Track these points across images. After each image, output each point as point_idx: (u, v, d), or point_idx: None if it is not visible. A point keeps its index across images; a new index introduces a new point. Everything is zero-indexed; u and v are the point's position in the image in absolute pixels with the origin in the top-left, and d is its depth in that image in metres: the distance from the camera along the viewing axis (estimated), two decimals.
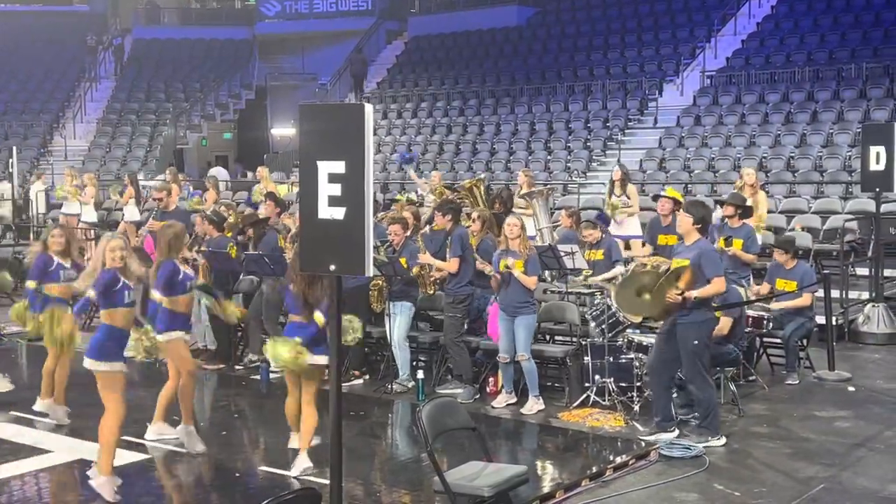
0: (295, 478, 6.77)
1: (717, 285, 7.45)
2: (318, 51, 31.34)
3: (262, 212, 11.14)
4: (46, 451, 7.53)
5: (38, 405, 8.43)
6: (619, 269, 9.67)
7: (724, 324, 8.42)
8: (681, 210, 7.98)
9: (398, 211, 10.94)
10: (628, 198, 12.38)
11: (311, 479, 6.64)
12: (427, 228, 10.20)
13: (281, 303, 10.24)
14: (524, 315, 8.46)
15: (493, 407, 8.67)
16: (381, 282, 9.28)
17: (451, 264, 8.98)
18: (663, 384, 7.71)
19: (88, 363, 6.50)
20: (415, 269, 9.18)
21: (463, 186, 11.85)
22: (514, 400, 8.69)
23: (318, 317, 6.86)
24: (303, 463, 6.86)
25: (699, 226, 7.56)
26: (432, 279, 9.34)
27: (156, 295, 7.31)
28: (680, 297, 7.35)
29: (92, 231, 17.62)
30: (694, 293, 7.37)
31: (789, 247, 9.97)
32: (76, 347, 6.94)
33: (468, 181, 12.20)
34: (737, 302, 8.72)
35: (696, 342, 7.44)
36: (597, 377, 8.54)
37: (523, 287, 8.43)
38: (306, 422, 6.95)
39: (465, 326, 9.20)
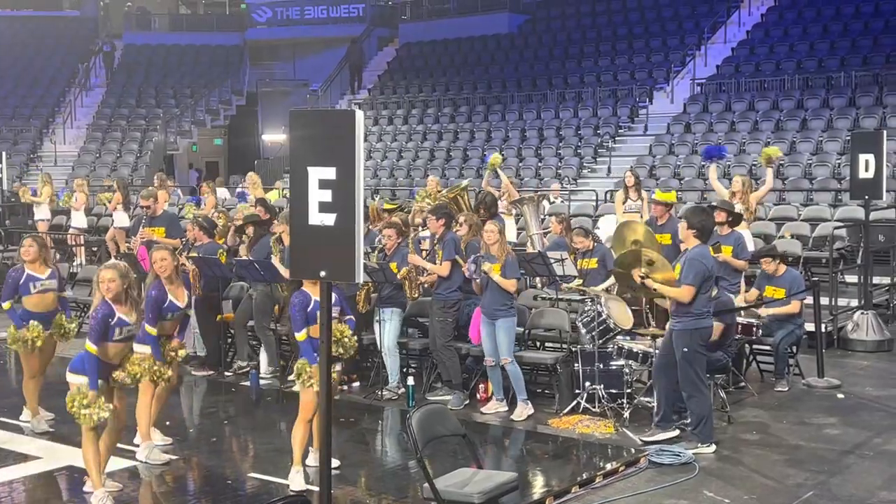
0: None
1: (680, 292, 7.48)
2: (309, 57, 31.38)
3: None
4: (35, 458, 7.49)
5: (25, 415, 8.40)
6: (613, 280, 9.67)
7: (716, 329, 8.44)
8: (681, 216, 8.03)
9: (373, 216, 10.95)
10: (643, 202, 12.33)
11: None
12: (421, 232, 10.20)
13: (271, 309, 10.26)
14: (503, 318, 8.47)
15: (483, 413, 8.67)
16: (368, 284, 9.27)
17: (443, 268, 8.98)
18: (666, 385, 7.73)
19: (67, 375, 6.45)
20: (402, 272, 9.16)
21: (446, 197, 11.85)
22: (504, 408, 8.69)
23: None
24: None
25: (694, 231, 7.57)
26: (418, 283, 9.32)
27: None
28: (640, 280, 7.76)
29: (81, 237, 17.61)
30: (654, 284, 7.68)
31: (774, 253, 10.01)
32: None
33: (451, 191, 12.18)
34: (728, 309, 8.75)
35: (685, 349, 7.46)
36: (587, 384, 8.54)
37: (501, 290, 8.45)
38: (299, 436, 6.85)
39: (455, 332, 9.19)
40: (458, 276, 9.04)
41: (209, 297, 10.36)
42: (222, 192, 22.05)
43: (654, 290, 7.77)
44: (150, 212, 11.26)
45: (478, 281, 8.59)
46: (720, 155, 13.02)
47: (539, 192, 14.82)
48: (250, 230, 10.70)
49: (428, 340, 9.34)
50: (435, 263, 9.11)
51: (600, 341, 8.65)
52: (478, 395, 9.08)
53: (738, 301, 9.47)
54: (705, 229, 7.66)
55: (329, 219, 4.70)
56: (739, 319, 9.20)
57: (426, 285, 9.40)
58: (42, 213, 18.40)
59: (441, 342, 9.00)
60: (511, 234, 11.96)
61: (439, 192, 12.58)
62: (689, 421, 7.72)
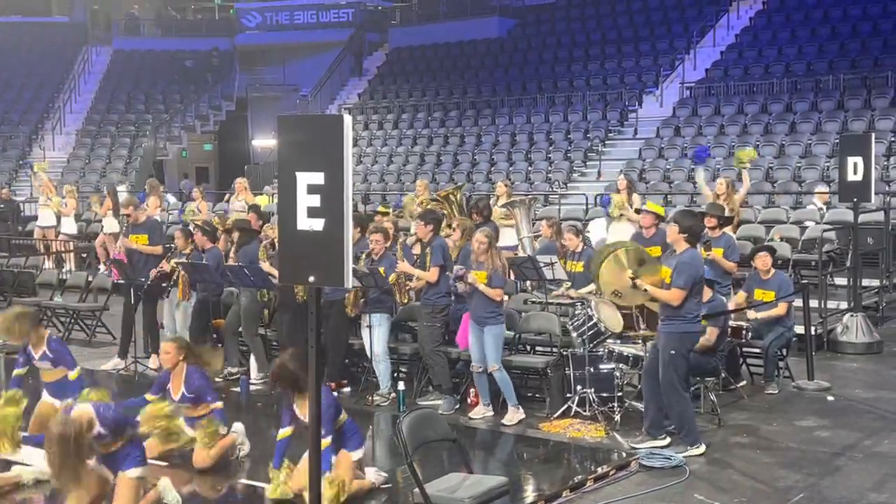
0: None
1: (670, 295, 7.47)
2: (299, 62, 31.34)
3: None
4: (24, 465, 7.44)
5: None
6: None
7: (711, 333, 8.48)
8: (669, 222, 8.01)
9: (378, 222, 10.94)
10: (629, 205, 12.43)
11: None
12: (407, 238, 10.20)
13: (260, 314, 10.25)
14: (491, 325, 8.45)
15: (470, 418, 8.66)
16: (357, 288, 9.26)
17: (431, 273, 8.97)
18: (655, 390, 7.73)
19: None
20: (391, 278, 9.15)
21: (440, 194, 11.87)
22: (491, 413, 8.69)
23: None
24: None
25: (686, 235, 7.58)
26: (408, 288, 9.31)
27: None
28: (631, 280, 7.73)
29: (71, 243, 17.57)
30: (645, 285, 7.64)
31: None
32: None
33: (445, 190, 12.21)
34: (719, 311, 8.77)
35: (672, 352, 7.47)
36: (578, 387, 8.54)
37: (487, 298, 8.44)
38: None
39: (445, 336, 9.19)
40: (446, 281, 9.04)
41: (204, 302, 10.34)
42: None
43: (644, 290, 7.78)
44: (132, 219, 11.20)
45: (461, 290, 8.60)
46: (707, 154, 13.08)
47: (530, 196, 14.83)
48: (235, 235, 10.69)
49: (418, 345, 9.33)
50: (423, 268, 9.10)
51: (591, 345, 8.65)
52: (468, 400, 9.08)
53: (730, 305, 9.50)
54: (695, 233, 7.69)
55: (318, 224, 4.69)
56: (729, 322, 9.22)
57: (413, 291, 9.40)
58: (47, 220, 18.25)
59: (430, 347, 8.99)
60: (511, 239, 11.98)
61: (426, 197, 12.57)
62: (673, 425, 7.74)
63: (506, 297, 9.10)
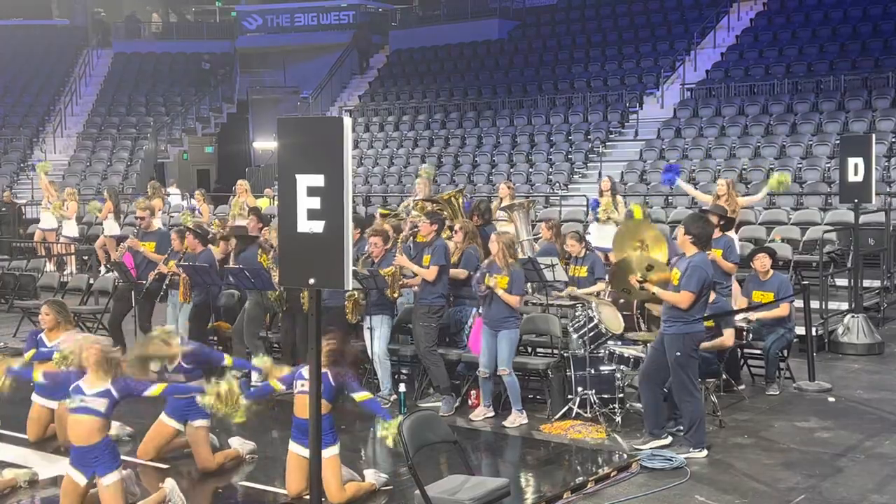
0: None
1: (679, 297, 7.46)
2: (299, 64, 31.39)
3: (250, 227, 11.08)
4: (24, 468, 7.45)
5: None
6: (602, 285, 9.69)
7: (728, 335, 8.50)
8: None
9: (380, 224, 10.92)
10: (615, 209, 12.51)
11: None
12: (410, 238, 10.18)
13: (262, 317, 10.24)
14: (508, 329, 8.45)
15: (471, 420, 8.66)
16: (356, 294, 9.25)
17: (430, 272, 8.96)
18: (654, 391, 7.73)
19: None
20: (387, 270, 9.12)
21: (441, 198, 11.86)
22: (491, 414, 8.69)
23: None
24: None
25: (692, 238, 7.57)
26: (401, 284, 9.29)
27: None
28: (638, 283, 7.68)
29: (72, 246, 17.58)
30: (654, 288, 7.61)
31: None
32: None
33: (447, 193, 12.21)
34: (724, 312, 8.77)
35: (677, 353, 7.47)
36: (579, 389, 8.54)
37: (505, 303, 8.44)
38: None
39: (447, 338, 9.18)
40: (443, 282, 9.03)
41: (202, 306, 10.34)
42: (175, 199, 21.93)
43: (653, 293, 7.76)
44: (145, 224, 11.23)
45: (481, 291, 8.58)
46: (676, 171, 13.16)
47: (529, 199, 14.83)
48: (233, 243, 10.70)
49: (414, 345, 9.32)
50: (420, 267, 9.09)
51: (592, 346, 8.65)
52: (469, 402, 9.08)
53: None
54: (704, 237, 7.66)
55: (318, 226, 4.69)
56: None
57: (413, 288, 9.38)
58: (48, 223, 18.27)
59: (425, 346, 8.97)
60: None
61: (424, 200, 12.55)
62: (681, 425, 7.74)
63: None
